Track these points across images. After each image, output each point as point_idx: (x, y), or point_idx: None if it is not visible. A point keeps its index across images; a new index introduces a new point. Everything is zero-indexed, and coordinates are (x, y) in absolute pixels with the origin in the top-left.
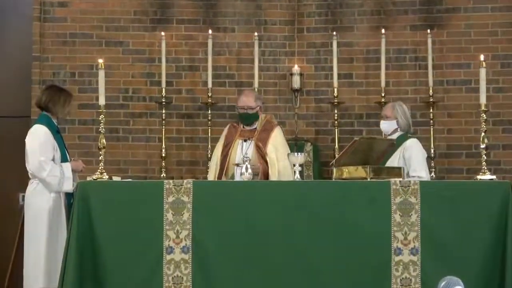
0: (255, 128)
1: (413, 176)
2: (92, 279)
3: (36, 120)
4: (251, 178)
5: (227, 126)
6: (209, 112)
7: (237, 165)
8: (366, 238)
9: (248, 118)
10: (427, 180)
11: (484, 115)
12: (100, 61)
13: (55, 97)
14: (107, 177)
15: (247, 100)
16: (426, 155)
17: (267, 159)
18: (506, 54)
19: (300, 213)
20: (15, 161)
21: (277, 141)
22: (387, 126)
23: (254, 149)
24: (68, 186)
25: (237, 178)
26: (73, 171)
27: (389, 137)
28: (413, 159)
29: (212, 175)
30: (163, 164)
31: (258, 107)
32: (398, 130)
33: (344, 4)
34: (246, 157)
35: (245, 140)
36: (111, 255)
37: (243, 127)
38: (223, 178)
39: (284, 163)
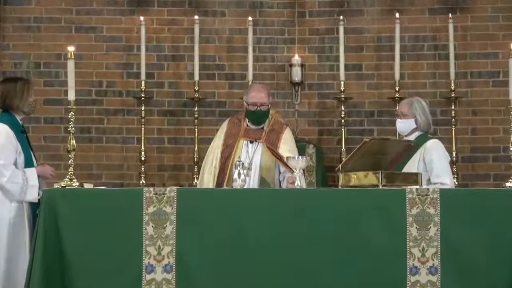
0: (262, 128)
1: (436, 183)
2: None
3: None
4: (244, 186)
5: (227, 121)
6: (196, 109)
7: (248, 168)
8: (377, 255)
9: (261, 117)
10: (450, 187)
11: None
12: (70, 49)
13: (10, 90)
14: (77, 184)
15: (260, 96)
16: (449, 159)
17: (277, 167)
18: None
19: (301, 226)
20: None
21: (288, 144)
22: (404, 125)
23: (265, 152)
24: (33, 195)
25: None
26: (40, 177)
27: (406, 138)
28: (435, 163)
29: (208, 181)
30: (142, 169)
31: (270, 104)
32: (417, 130)
33: None
34: (239, 161)
35: (251, 142)
36: (82, 275)
37: (247, 125)
38: (224, 186)
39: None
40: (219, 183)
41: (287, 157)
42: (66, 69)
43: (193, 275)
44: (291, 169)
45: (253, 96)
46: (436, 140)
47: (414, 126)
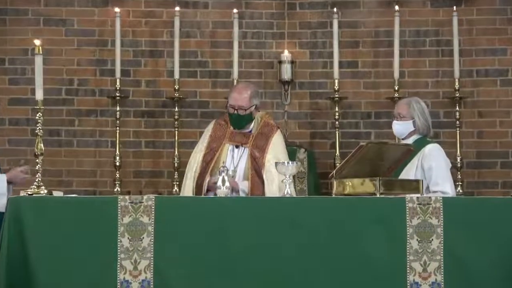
0: (250, 132)
1: (435, 191)
2: None
3: None
4: (228, 194)
5: (212, 123)
6: (176, 109)
7: (232, 176)
8: (374, 270)
9: (238, 122)
10: (452, 196)
11: None
12: (37, 43)
13: None
14: (45, 192)
15: (239, 98)
16: (450, 165)
17: (264, 175)
18: None
19: (290, 238)
20: None
21: (278, 150)
22: (401, 127)
23: (248, 159)
24: (0, 204)
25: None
26: (11, 183)
27: (404, 142)
28: (434, 170)
29: (189, 188)
30: (117, 175)
31: (253, 107)
32: (415, 132)
33: None
34: (224, 167)
35: (236, 146)
36: None
37: (234, 128)
38: (203, 194)
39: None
40: (197, 190)
41: (276, 163)
42: (33, 65)
43: None
44: (258, 176)
45: (233, 97)
46: (436, 145)
47: (412, 128)
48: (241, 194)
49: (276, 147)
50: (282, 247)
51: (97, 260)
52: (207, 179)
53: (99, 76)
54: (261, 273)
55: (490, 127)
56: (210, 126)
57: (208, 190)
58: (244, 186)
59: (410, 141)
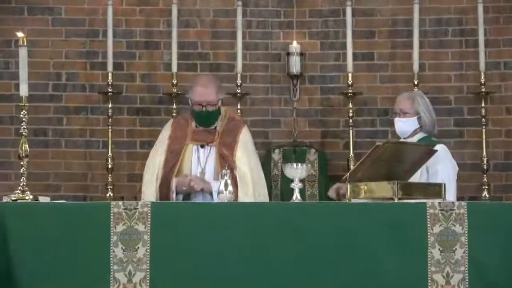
0: (215, 129)
1: None
2: None
3: None
4: (232, 199)
5: (170, 122)
6: (174, 106)
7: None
8: (391, 283)
9: (208, 119)
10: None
11: None
12: (21, 35)
13: None
14: (31, 197)
15: (206, 93)
16: (457, 169)
17: (236, 174)
18: None
19: (299, 249)
20: None
21: (248, 147)
22: (405, 124)
23: (217, 159)
24: None
25: (199, 199)
26: None
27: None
28: (440, 175)
29: (150, 197)
30: (110, 179)
31: (221, 101)
32: (420, 130)
33: None
34: (226, 170)
35: (202, 146)
36: None
37: (196, 126)
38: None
39: (259, 175)
40: (162, 196)
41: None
42: (17, 58)
43: None
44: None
45: (198, 93)
46: (444, 146)
47: (417, 125)
48: (215, 195)
49: (246, 144)
50: (289, 258)
51: (88, 272)
52: (174, 181)
53: (90, 70)
54: (266, 284)
55: None
56: (168, 126)
57: (177, 193)
58: (216, 186)
59: (414, 139)
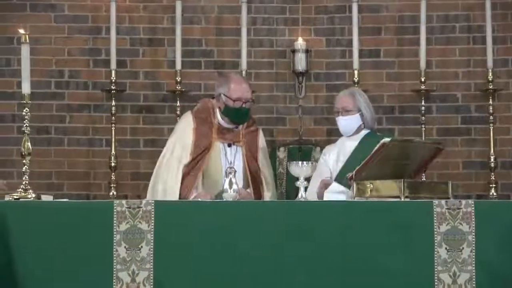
0: (236, 127)
1: None
2: None
3: None
4: (237, 198)
5: (190, 116)
6: (178, 104)
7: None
8: (397, 283)
9: (246, 116)
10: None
11: None
12: (23, 32)
13: None
14: (33, 196)
15: (245, 89)
16: None
17: (262, 177)
18: None
19: (305, 246)
20: None
21: (266, 152)
22: (349, 122)
23: (245, 159)
24: None
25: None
26: None
27: (351, 139)
28: None
29: (173, 190)
30: (113, 177)
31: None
32: (363, 127)
33: None
34: (231, 168)
35: (229, 145)
36: None
37: (219, 123)
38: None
39: (273, 178)
40: (183, 194)
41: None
42: (19, 56)
43: None
44: (252, 179)
45: (238, 90)
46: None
47: (360, 122)
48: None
49: (264, 149)
50: (295, 258)
51: (90, 272)
52: (194, 192)
53: (93, 67)
54: (271, 284)
55: None
56: (190, 120)
57: None
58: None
59: (359, 137)
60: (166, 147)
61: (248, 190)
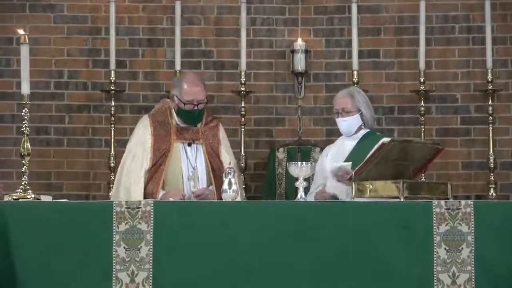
0: (195, 126)
1: None
2: None
3: None
4: (236, 198)
5: (146, 121)
6: None
7: (188, 179)
8: (397, 282)
9: (199, 118)
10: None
11: None
12: (22, 32)
13: None
14: (33, 196)
15: (197, 92)
16: None
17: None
18: None
19: (304, 247)
20: None
21: (227, 144)
22: (349, 123)
23: (206, 156)
24: None
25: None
26: None
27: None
28: None
29: (137, 194)
30: (112, 177)
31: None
32: (363, 127)
33: None
34: (230, 168)
35: (189, 144)
36: None
37: (177, 123)
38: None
39: (235, 163)
40: (147, 197)
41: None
42: (18, 56)
43: None
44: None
45: (189, 92)
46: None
47: (361, 122)
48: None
49: (224, 137)
50: (295, 259)
51: (90, 272)
52: (160, 192)
53: (92, 67)
54: (271, 285)
55: None
56: (147, 123)
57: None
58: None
59: (358, 137)
60: (126, 153)
61: (210, 187)
